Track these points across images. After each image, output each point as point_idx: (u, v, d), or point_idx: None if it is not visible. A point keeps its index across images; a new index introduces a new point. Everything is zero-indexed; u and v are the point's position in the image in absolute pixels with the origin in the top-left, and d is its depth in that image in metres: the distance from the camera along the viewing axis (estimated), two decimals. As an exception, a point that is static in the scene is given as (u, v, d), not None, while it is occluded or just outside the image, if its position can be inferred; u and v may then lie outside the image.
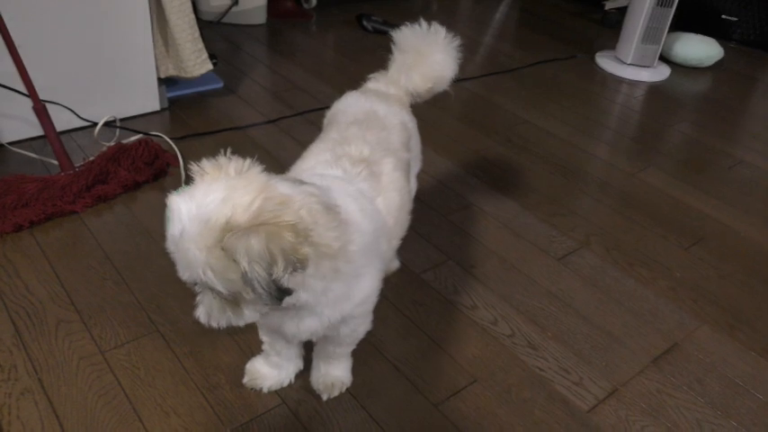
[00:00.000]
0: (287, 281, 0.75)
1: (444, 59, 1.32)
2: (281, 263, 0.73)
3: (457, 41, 1.33)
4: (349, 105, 1.25)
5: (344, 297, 0.92)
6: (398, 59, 1.34)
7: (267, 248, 0.72)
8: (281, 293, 0.76)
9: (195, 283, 0.81)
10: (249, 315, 0.83)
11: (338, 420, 1.13)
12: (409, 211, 1.18)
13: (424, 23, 1.32)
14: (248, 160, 0.82)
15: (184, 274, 0.79)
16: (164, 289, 1.38)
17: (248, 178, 0.79)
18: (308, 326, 0.94)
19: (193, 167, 0.81)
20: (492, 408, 1.19)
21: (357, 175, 1.03)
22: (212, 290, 0.78)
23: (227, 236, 0.73)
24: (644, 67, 2.77)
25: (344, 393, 1.18)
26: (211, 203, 0.74)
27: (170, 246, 0.78)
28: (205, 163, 0.81)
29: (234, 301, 0.81)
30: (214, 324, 0.84)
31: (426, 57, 1.31)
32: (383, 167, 1.08)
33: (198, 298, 0.84)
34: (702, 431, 1.19)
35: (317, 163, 1.07)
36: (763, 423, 1.21)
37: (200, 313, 0.83)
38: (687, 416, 1.22)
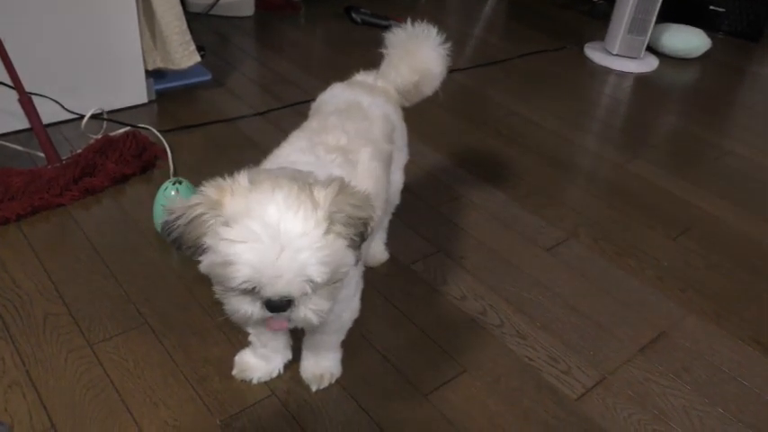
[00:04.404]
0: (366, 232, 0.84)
1: (431, 54, 1.32)
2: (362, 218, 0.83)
3: (446, 43, 1.33)
4: (333, 96, 1.24)
5: None
6: (388, 56, 1.33)
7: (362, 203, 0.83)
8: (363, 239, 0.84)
9: (289, 301, 0.78)
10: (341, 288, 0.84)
11: (328, 411, 1.14)
12: (385, 200, 1.18)
13: (416, 24, 1.31)
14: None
15: (291, 287, 0.75)
16: (152, 281, 1.37)
17: (272, 179, 0.79)
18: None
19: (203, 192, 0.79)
20: (481, 397, 1.20)
21: (331, 162, 1.02)
22: (310, 289, 0.77)
23: (329, 212, 0.77)
24: (632, 58, 2.78)
25: (334, 384, 1.18)
26: (288, 203, 0.75)
27: (262, 272, 0.73)
28: (210, 189, 0.79)
29: (334, 284, 0.81)
30: (322, 317, 0.82)
31: (414, 52, 1.31)
32: (360, 156, 1.07)
33: (293, 313, 0.80)
34: (689, 418, 1.20)
35: (291, 150, 1.05)
36: (749, 410, 1.23)
37: (306, 316, 0.80)
38: (674, 403, 1.23)
